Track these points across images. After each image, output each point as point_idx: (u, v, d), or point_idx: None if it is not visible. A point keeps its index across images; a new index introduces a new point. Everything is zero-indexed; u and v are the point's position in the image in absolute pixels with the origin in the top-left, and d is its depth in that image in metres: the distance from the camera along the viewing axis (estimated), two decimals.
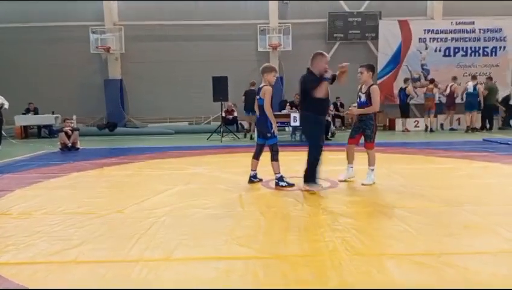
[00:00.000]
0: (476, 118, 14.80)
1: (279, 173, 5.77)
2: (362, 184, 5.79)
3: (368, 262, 3.04)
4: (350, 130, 6.32)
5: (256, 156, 6.09)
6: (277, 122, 6.08)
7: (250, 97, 11.32)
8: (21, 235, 3.78)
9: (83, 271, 3.03)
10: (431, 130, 14.97)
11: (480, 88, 14.72)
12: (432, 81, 15.53)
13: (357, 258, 3.13)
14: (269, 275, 2.89)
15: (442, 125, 15.83)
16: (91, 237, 3.74)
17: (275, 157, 5.77)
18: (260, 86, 5.82)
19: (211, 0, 16.75)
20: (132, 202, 4.95)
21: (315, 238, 3.60)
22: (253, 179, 6.08)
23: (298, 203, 4.86)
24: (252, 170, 6.09)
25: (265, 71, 5.77)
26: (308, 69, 5.49)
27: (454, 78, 15.29)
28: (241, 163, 7.94)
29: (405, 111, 15.45)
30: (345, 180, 6.00)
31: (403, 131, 15.19)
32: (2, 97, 11.35)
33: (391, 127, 16.25)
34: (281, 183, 5.70)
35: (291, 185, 5.69)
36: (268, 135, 5.80)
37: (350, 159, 6.10)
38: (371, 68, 5.93)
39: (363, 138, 6.00)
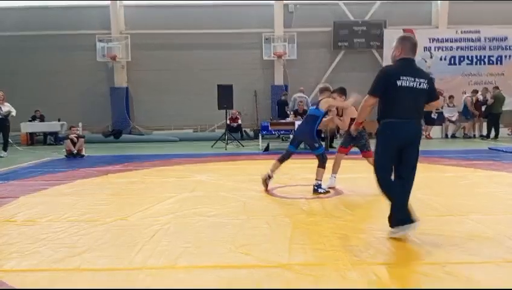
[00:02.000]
0: (470, 126, 15.87)
1: (321, 180, 5.80)
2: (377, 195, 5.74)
3: (372, 271, 3.02)
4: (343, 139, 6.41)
5: (281, 160, 6.17)
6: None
7: None
8: (25, 243, 3.80)
9: (86, 279, 3.03)
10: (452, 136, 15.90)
11: (469, 100, 15.61)
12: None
13: (361, 267, 3.11)
14: (273, 284, 2.88)
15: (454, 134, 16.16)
16: (95, 244, 3.74)
17: (322, 165, 5.82)
18: (319, 99, 6.04)
19: (216, 8, 16.85)
20: (136, 209, 4.96)
21: (319, 247, 3.59)
22: (268, 177, 6.12)
23: (303, 211, 4.85)
24: (270, 170, 6.12)
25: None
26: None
27: (475, 91, 15.81)
28: (245, 171, 7.96)
29: (428, 119, 15.50)
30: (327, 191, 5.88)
31: (426, 137, 15.31)
32: (9, 104, 11.44)
33: None
34: (320, 190, 5.75)
35: (327, 191, 5.78)
36: (316, 145, 5.93)
37: (336, 169, 6.17)
38: (343, 92, 6.14)
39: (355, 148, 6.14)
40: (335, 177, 6.18)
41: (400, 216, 3.67)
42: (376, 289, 2.76)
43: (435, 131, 15.84)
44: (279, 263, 3.22)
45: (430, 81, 3.77)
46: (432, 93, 3.81)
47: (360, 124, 4.45)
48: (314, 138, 5.95)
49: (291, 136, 13.67)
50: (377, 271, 3.02)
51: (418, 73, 3.74)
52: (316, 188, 5.79)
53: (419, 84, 3.67)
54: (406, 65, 3.74)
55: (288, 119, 12.73)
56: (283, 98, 15.40)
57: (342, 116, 6.19)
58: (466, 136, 15.70)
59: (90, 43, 16.44)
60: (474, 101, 15.59)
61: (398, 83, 3.63)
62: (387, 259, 3.32)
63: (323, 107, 5.89)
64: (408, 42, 3.78)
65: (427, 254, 3.40)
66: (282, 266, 3.16)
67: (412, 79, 3.65)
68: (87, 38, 16.53)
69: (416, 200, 5.29)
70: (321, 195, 5.68)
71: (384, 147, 3.80)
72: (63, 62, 16.72)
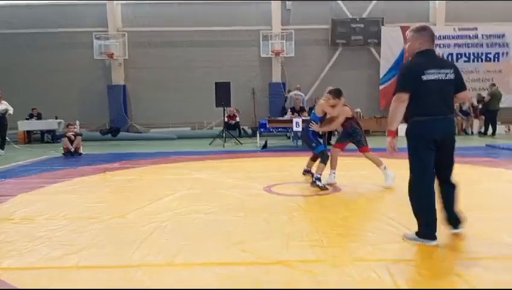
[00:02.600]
0: (468, 123, 16.03)
1: (320, 174, 5.93)
2: (385, 187, 5.82)
3: (369, 267, 3.03)
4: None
5: (313, 158, 6.48)
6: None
7: None
8: (23, 241, 3.79)
9: (84, 276, 3.03)
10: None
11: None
12: None
13: (359, 263, 3.12)
14: (271, 281, 2.89)
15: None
16: (93, 242, 3.74)
17: (322, 161, 5.98)
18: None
19: (213, 5, 16.82)
20: (134, 207, 4.96)
21: (317, 243, 3.59)
22: (305, 172, 6.62)
23: (300, 208, 4.86)
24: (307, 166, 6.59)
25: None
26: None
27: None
28: (243, 168, 7.96)
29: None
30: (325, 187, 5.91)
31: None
32: (6, 103, 11.41)
33: None
34: (318, 182, 5.85)
35: (324, 188, 5.79)
36: (313, 144, 6.13)
37: (334, 164, 6.18)
38: (337, 94, 6.06)
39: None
40: (334, 173, 6.21)
41: (428, 231, 3.45)
42: (375, 288, 2.75)
43: None
44: (277, 260, 3.22)
45: (457, 70, 3.52)
46: (459, 84, 3.54)
47: (395, 133, 3.68)
48: (310, 139, 6.12)
49: (288, 133, 13.83)
50: (375, 268, 3.02)
51: (442, 64, 3.52)
52: (314, 180, 5.90)
53: (446, 76, 3.42)
54: (429, 57, 3.48)
55: (286, 117, 12.75)
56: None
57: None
58: (465, 132, 15.75)
59: (87, 40, 16.39)
60: (469, 106, 15.74)
61: (424, 77, 3.36)
62: (385, 255, 3.32)
63: (317, 112, 6.12)
64: (427, 32, 3.52)
65: (426, 250, 3.40)
66: (280, 263, 3.16)
67: (438, 71, 3.40)
68: (84, 35, 16.50)
69: None
70: (320, 192, 5.69)
71: (418, 150, 3.48)
72: (60, 60, 16.69)
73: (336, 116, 6.08)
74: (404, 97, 3.39)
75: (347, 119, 6.10)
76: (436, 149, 3.46)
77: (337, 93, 6.00)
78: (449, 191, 3.59)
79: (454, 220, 3.63)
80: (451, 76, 3.45)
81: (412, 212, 3.57)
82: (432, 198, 3.45)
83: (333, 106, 6.00)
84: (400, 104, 3.43)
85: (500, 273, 2.97)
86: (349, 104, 6.30)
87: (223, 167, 8.38)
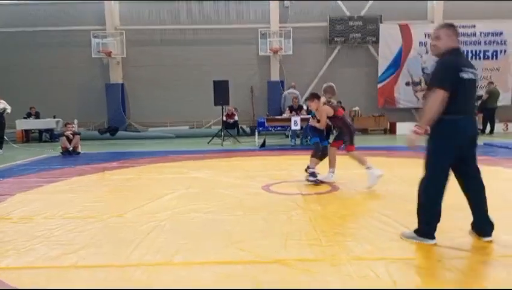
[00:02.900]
0: None
1: (313, 168, 6.16)
2: (369, 187, 5.75)
3: (368, 266, 3.04)
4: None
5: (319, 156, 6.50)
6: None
7: None
8: (21, 240, 3.79)
9: (83, 276, 3.03)
10: None
11: None
12: None
13: (357, 262, 3.13)
14: (269, 280, 2.89)
15: None
16: (91, 241, 3.74)
17: (313, 154, 6.26)
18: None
19: (212, 3, 16.80)
20: (133, 206, 4.96)
21: (315, 242, 3.59)
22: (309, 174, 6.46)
23: (298, 207, 4.86)
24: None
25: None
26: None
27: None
28: (241, 167, 7.96)
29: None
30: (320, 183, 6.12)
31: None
32: (4, 102, 11.39)
33: (392, 131, 16.25)
34: (310, 177, 6.10)
35: (315, 181, 6.07)
36: (309, 136, 6.88)
37: (332, 163, 6.23)
38: (316, 96, 6.23)
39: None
40: (333, 172, 6.22)
41: (428, 230, 3.49)
42: (373, 288, 2.76)
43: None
44: (276, 259, 3.23)
45: (475, 72, 3.51)
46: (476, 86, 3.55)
47: (426, 131, 3.52)
48: (308, 132, 6.86)
49: (286, 132, 13.84)
50: (374, 267, 3.03)
51: (470, 63, 3.49)
52: (308, 174, 6.18)
53: (474, 75, 3.41)
54: (461, 56, 3.48)
55: (285, 115, 12.75)
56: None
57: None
58: None
59: (85, 39, 16.35)
60: None
61: (461, 75, 3.30)
62: (384, 255, 3.33)
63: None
64: (455, 30, 3.47)
65: (423, 249, 3.41)
66: (279, 262, 3.17)
67: (471, 70, 3.38)
68: (82, 34, 16.46)
69: (412, 195, 5.32)
70: (318, 191, 5.70)
71: (443, 149, 3.41)
72: (57, 58, 16.65)
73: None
74: (443, 96, 3.28)
75: (335, 118, 6.15)
76: (462, 148, 3.43)
77: (312, 96, 6.25)
78: (478, 188, 3.53)
79: (488, 225, 3.53)
80: (476, 77, 3.46)
81: (412, 211, 3.58)
82: (440, 198, 3.47)
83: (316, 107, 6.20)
84: (440, 102, 3.30)
85: (499, 272, 2.98)
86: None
87: (222, 166, 8.39)
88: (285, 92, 14.51)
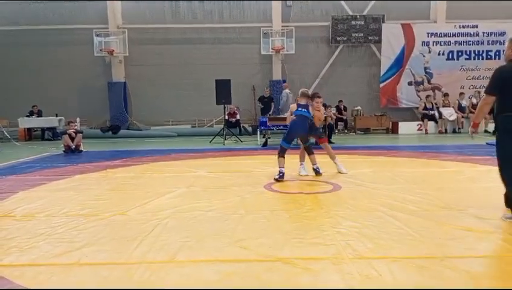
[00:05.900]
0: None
1: (314, 164, 6.82)
2: (343, 173, 6.75)
3: (370, 265, 3.04)
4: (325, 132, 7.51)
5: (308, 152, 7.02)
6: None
7: None
8: (24, 237, 3.80)
9: (85, 273, 3.04)
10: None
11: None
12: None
13: (360, 261, 3.13)
14: (271, 278, 2.89)
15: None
16: (94, 239, 3.75)
17: (309, 152, 6.90)
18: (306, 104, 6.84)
19: (214, 2, 16.79)
20: (135, 204, 4.97)
21: (317, 241, 3.60)
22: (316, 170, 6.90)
23: (301, 205, 4.86)
24: (313, 164, 6.94)
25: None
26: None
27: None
28: (243, 166, 7.96)
29: (426, 115, 15.90)
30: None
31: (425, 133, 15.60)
32: None
33: (394, 130, 16.23)
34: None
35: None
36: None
37: (332, 155, 7.06)
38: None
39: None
40: (337, 163, 7.01)
41: None
42: (375, 288, 2.76)
43: (430, 126, 15.78)
44: (278, 257, 3.23)
45: None
46: None
47: (478, 125, 4.53)
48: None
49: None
50: (376, 265, 3.03)
51: None
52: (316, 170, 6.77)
53: None
54: None
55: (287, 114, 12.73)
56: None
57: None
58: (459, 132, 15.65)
59: (87, 37, 16.33)
60: (469, 105, 15.69)
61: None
62: (386, 253, 3.33)
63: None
64: None
65: (426, 247, 3.41)
66: (281, 260, 3.17)
67: None
68: (85, 32, 16.43)
69: (414, 194, 5.33)
70: (320, 189, 5.73)
71: (501, 140, 4.13)
72: (60, 57, 16.64)
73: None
74: (489, 100, 4.14)
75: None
76: None
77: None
78: None
79: None
80: None
81: (414, 210, 3.61)
82: None
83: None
84: (485, 105, 4.22)
85: (500, 271, 2.98)
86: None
87: (224, 164, 8.39)
88: (287, 91, 14.49)
